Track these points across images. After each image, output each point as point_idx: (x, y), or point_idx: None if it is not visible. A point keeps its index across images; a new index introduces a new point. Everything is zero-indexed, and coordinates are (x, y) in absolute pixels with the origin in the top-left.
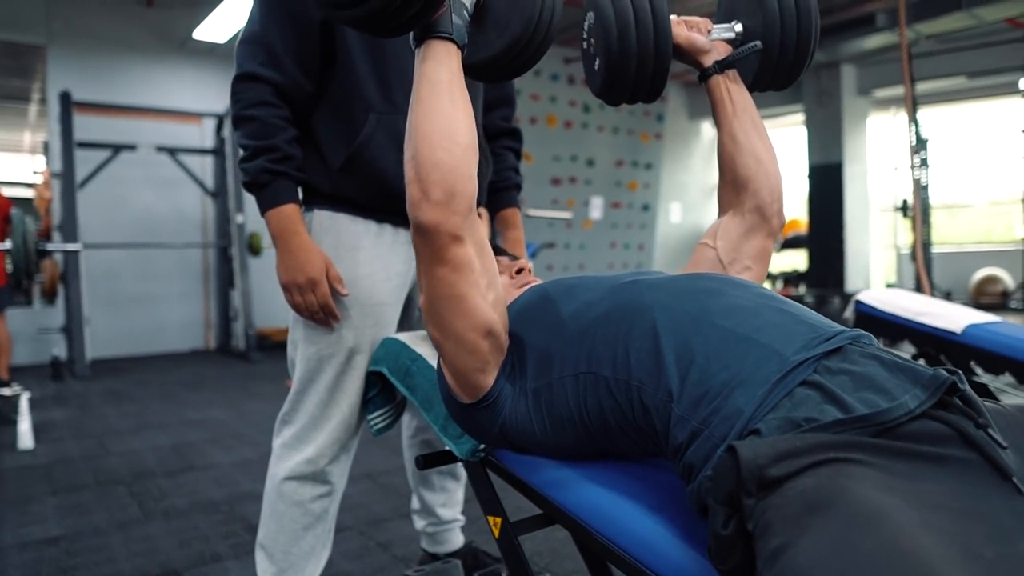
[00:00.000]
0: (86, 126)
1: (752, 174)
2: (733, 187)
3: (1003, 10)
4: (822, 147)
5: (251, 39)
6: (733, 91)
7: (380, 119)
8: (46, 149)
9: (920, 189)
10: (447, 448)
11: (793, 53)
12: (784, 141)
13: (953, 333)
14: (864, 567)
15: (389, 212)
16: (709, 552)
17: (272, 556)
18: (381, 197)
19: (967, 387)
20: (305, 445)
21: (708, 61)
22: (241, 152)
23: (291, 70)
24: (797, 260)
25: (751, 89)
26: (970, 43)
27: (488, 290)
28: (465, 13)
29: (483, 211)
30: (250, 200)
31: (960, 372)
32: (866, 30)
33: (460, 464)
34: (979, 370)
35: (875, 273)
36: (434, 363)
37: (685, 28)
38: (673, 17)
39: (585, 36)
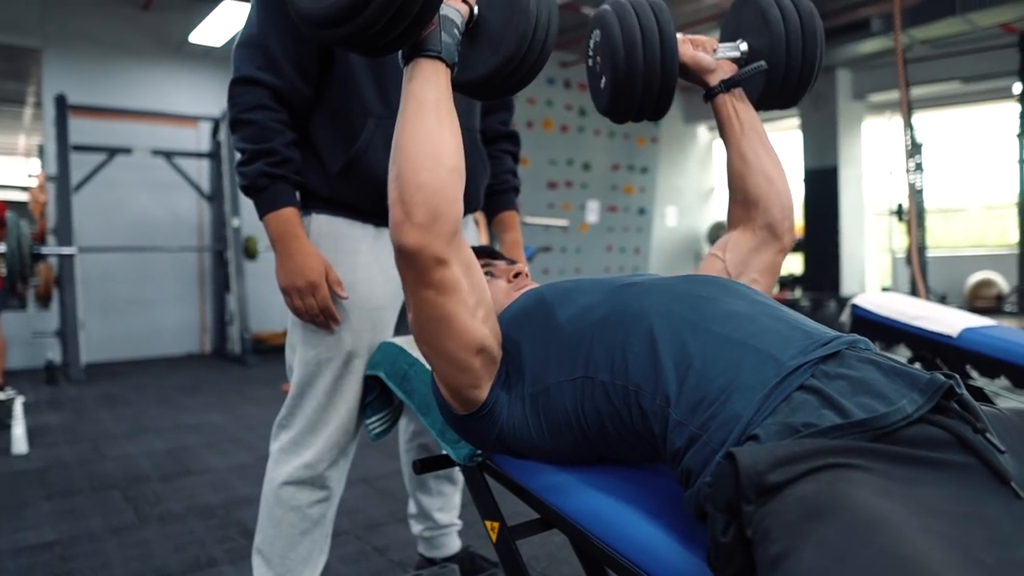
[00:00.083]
0: (81, 129)
1: (763, 192)
2: (743, 205)
3: (997, 15)
4: (817, 151)
5: (249, 42)
6: (740, 109)
7: (379, 124)
8: (41, 152)
9: (915, 193)
10: (444, 452)
11: (798, 74)
12: (780, 145)
13: (949, 337)
14: (865, 573)
15: (387, 216)
16: (709, 559)
17: (269, 561)
18: (379, 201)
19: (964, 391)
20: (303, 449)
21: (714, 80)
22: (239, 156)
23: (289, 74)
24: (793, 264)
25: (756, 108)
26: (964, 48)
27: (478, 307)
28: (456, 31)
29: (480, 216)
30: (246, 204)
31: (957, 376)
32: (861, 35)
33: (457, 468)
34: (975, 374)
35: (870, 277)
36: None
37: (691, 47)
38: (679, 35)
39: (591, 54)
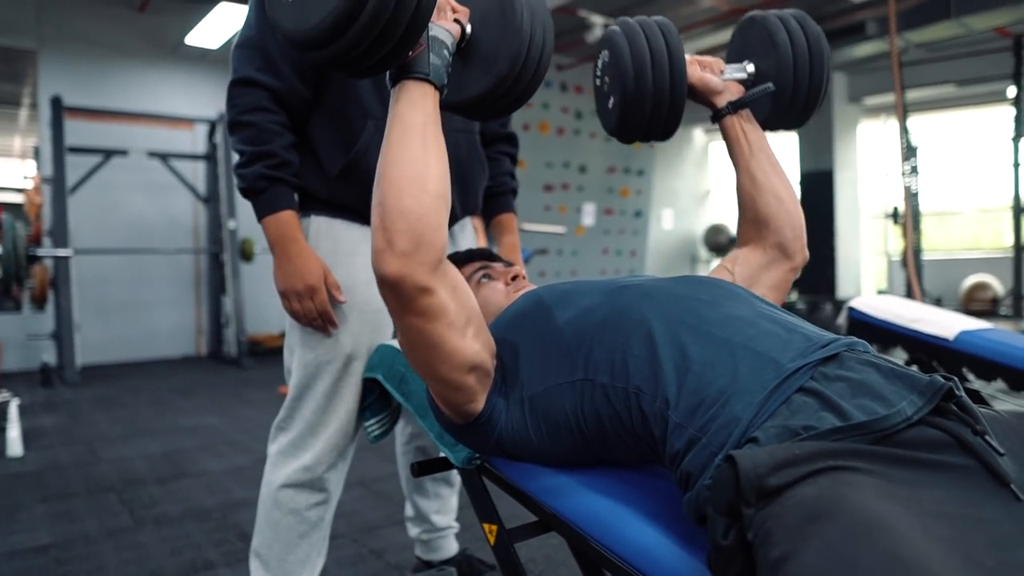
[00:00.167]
0: (77, 131)
1: (773, 212)
2: (754, 224)
3: (992, 19)
4: (813, 154)
5: (248, 43)
6: (748, 130)
7: (378, 126)
8: (36, 154)
9: (910, 196)
10: (442, 455)
11: (805, 97)
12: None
13: (946, 340)
14: (866, 575)
15: None
16: (709, 562)
17: (267, 564)
18: None
19: (963, 393)
20: (302, 452)
21: (721, 102)
22: (237, 158)
23: (288, 75)
24: None
25: (763, 129)
26: (959, 51)
27: (467, 325)
28: (446, 52)
29: (478, 219)
30: (242, 206)
31: (956, 378)
32: (857, 38)
33: (454, 471)
34: (971, 376)
35: (866, 280)
36: None
37: (699, 68)
38: (687, 56)
39: (599, 73)
